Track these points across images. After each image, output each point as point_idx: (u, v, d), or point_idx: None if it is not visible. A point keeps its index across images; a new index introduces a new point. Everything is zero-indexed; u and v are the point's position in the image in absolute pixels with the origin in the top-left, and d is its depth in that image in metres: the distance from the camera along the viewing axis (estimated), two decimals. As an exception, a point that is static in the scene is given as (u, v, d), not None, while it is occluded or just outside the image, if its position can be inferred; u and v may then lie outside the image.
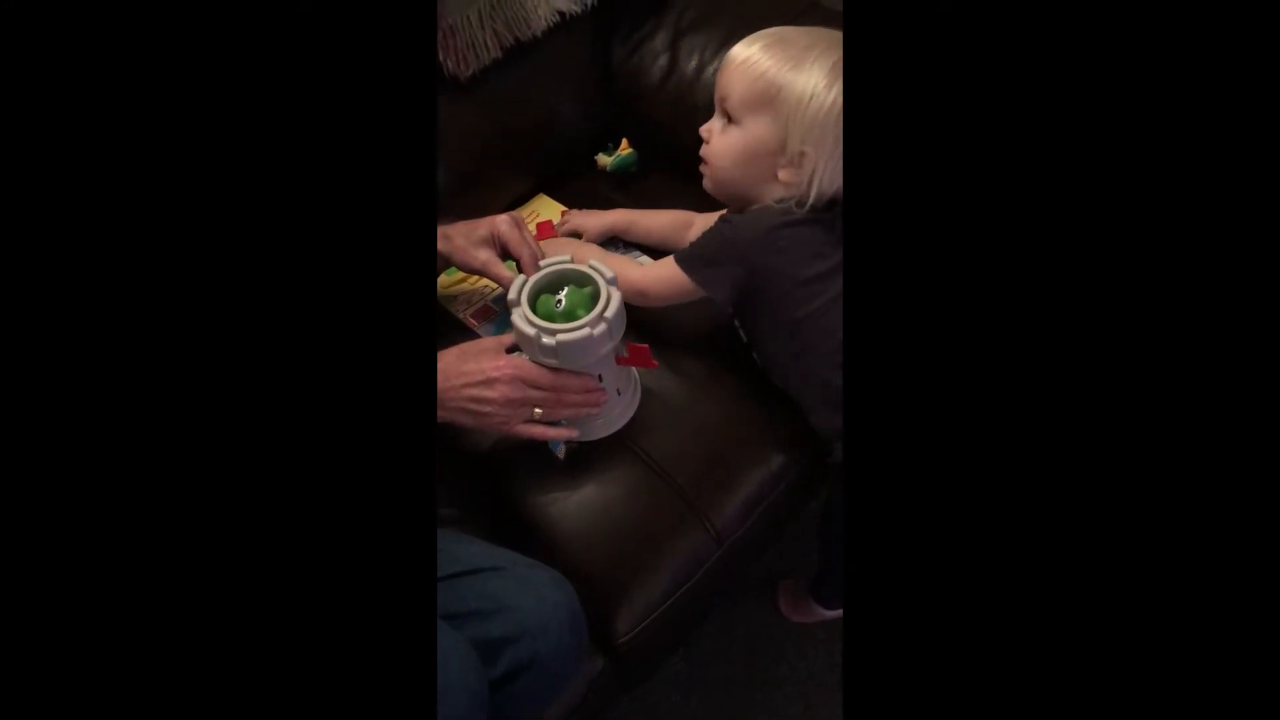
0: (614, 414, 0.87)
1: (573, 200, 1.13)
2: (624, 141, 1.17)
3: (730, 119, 0.84)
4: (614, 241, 1.05)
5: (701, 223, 0.97)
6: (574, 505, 0.87)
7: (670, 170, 1.14)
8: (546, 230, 1.00)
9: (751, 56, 0.81)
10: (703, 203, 0.99)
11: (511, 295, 0.78)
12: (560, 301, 0.78)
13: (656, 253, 1.01)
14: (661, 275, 0.87)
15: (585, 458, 0.88)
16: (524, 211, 1.14)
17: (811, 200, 0.81)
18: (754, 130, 0.82)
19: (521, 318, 0.76)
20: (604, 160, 1.17)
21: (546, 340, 0.74)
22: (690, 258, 0.85)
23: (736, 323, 0.91)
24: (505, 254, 0.89)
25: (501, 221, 0.88)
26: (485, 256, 0.88)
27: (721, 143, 0.85)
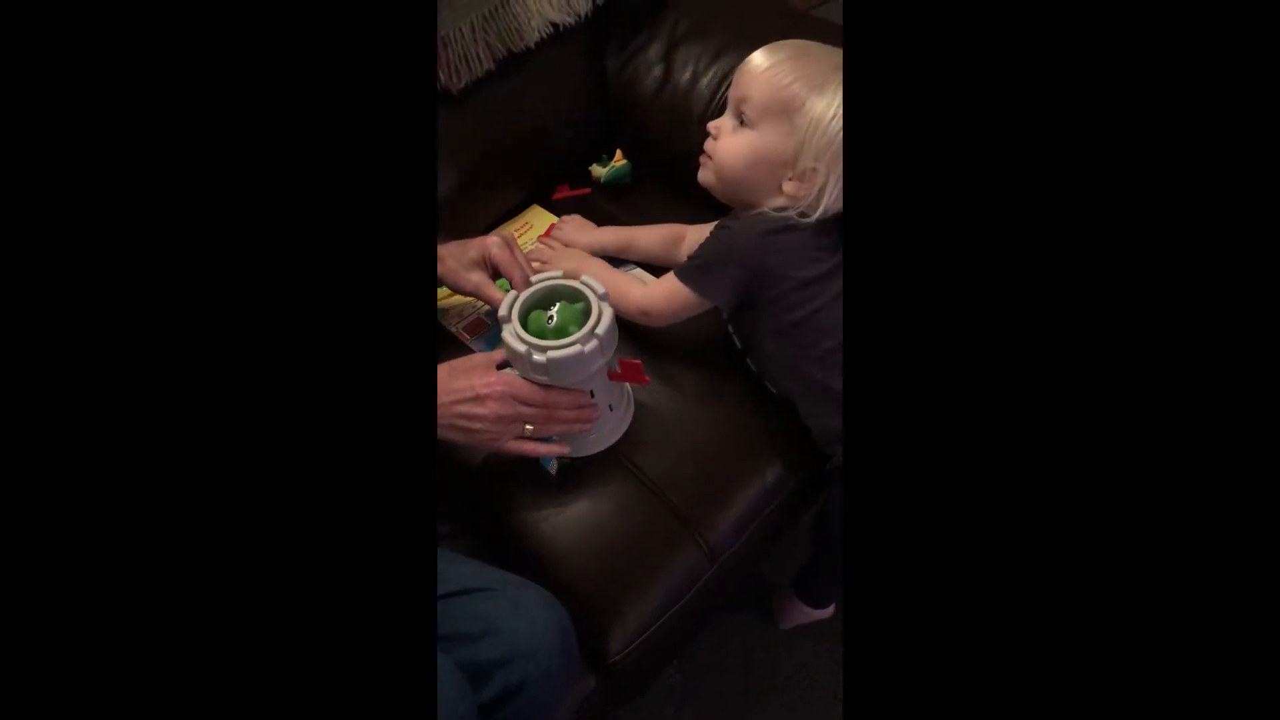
0: (606, 430, 0.86)
1: (566, 211, 1.13)
2: (618, 152, 1.17)
3: (744, 121, 0.84)
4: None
5: (693, 234, 0.97)
6: (566, 522, 0.86)
7: (664, 181, 1.13)
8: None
9: (777, 65, 0.82)
10: (696, 214, 0.99)
11: (502, 312, 0.78)
12: (552, 318, 0.77)
13: (651, 268, 1.01)
14: (663, 292, 0.88)
15: (577, 474, 0.88)
16: (517, 222, 1.13)
17: (816, 216, 0.82)
18: (769, 137, 0.83)
19: (512, 334, 0.76)
20: (598, 171, 1.17)
21: (537, 357, 0.74)
22: (691, 269, 0.86)
23: (730, 329, 0.91)
24: (496, 274, 0.89)
25: (493, 244, 0.87)
26: (477, 279, 0.87)
27: (732, 142, 0.85)
